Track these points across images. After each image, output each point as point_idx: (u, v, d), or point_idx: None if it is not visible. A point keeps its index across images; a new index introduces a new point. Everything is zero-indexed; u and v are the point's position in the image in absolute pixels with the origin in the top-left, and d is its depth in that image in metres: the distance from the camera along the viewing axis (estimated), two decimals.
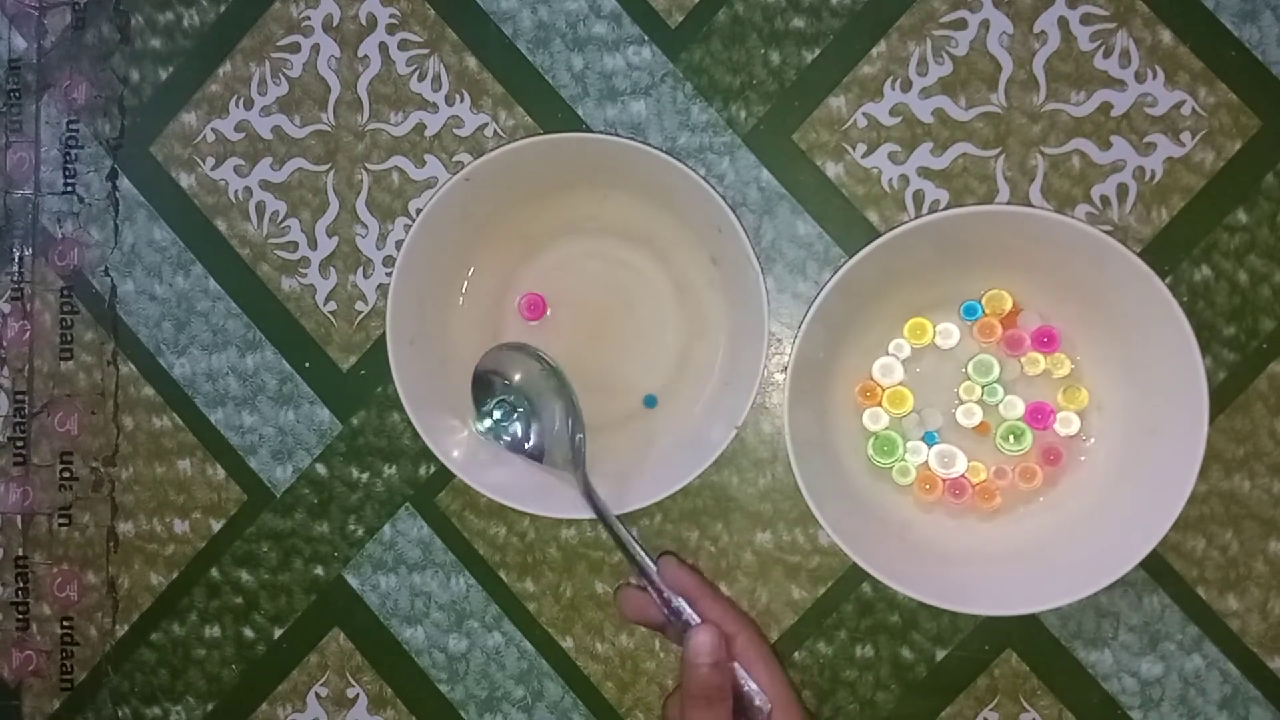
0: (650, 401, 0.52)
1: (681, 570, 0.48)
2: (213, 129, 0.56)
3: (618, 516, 0.47)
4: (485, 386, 0.50)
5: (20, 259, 0.57)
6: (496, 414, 0.49)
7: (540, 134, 0.53)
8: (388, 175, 0.54)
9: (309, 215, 0.55)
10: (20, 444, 0.57)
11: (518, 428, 0.49)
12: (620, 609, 0.49)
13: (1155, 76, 0.50)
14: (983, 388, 0.50)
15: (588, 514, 0.51)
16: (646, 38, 0.53)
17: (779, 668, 0.46)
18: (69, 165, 0.56)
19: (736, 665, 0.45)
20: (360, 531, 0.55)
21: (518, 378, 0.50)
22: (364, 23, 0.55)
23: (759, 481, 0.52)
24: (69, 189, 0.56)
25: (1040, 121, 0.51)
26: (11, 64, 0.57)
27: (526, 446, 0.49)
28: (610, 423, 0.53)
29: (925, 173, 0.52)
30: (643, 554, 0.47)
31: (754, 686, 0.45)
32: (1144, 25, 0.50)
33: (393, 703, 0.54)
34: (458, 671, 0.54)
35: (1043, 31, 0.51)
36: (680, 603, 0.46)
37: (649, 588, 0.47)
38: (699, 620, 0.46)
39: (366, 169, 0.55)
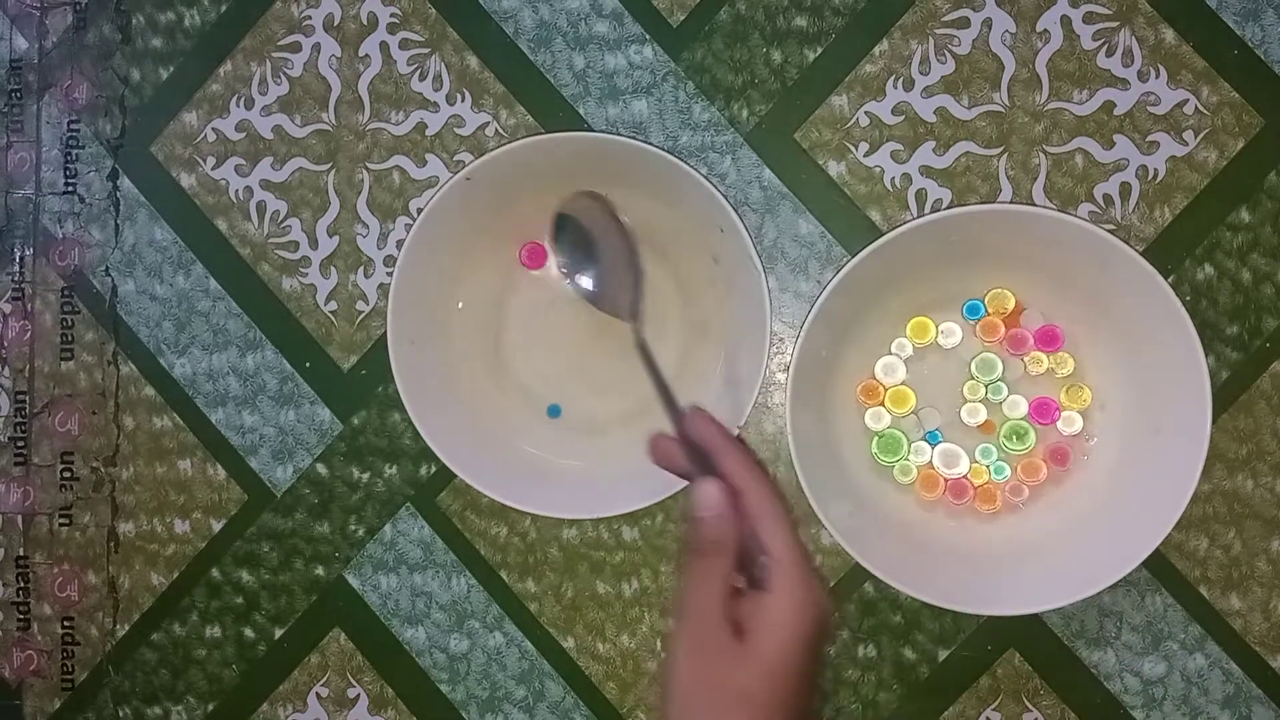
0: (554, 411, 0.53)
1: (706, 422, 0.47)
2: (213, 129, 0.56)
3: (617, 516, 0.47)
4: (561, 227, 0.51)
5: (21, 259, 0.57)
6: (566, 254, 0.51)
7: (541, 133, 0.53)
8: (389, 174, 0.54)
9: (310, 215, 0.55)
10: (21, 444, 0.56)
11: (585, 271, 0.51)
12: (650, 452, 0.48)
13: (1158, 75, 0.50)
14: (986, 386, 0.50)
15: (589, 514, 0.51)
16: (648, 36, 0.53)
17: (788, 527, 0.43)
18: (70, 165, 0.56)
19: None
20: (361, 531, 0.54)
21: (591, 224, 0.51)
22: (365, 22, 0.54)
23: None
24: (70, 189, 0.56)
25: (1043, 120, 0.51)
26: (13, 64, 0.57)
27: (588, 288, 0.50)
28: (612, 422, 0.52)
29: (928, 171, 0.51)
30: (676, 401, 0.46)
31: (761, 543, 0.43)
32: (1146, 24, 0.50)
33: (394, 703, 0.54)
34: (459, 672, 0.54)
35: (1045, 30, 0.51)
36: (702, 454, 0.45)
37: (678, 436, 0.46)
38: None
39: (367, 168, 0.55)
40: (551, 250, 0.52)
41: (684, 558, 0.44)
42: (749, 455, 0.46)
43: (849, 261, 0.46)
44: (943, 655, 0.51)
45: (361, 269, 0.55)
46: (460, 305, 0.53)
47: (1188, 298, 0.50)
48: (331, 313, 0.55)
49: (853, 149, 0.52)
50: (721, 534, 0.42)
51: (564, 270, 0.51)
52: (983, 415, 0.50)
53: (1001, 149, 0.51)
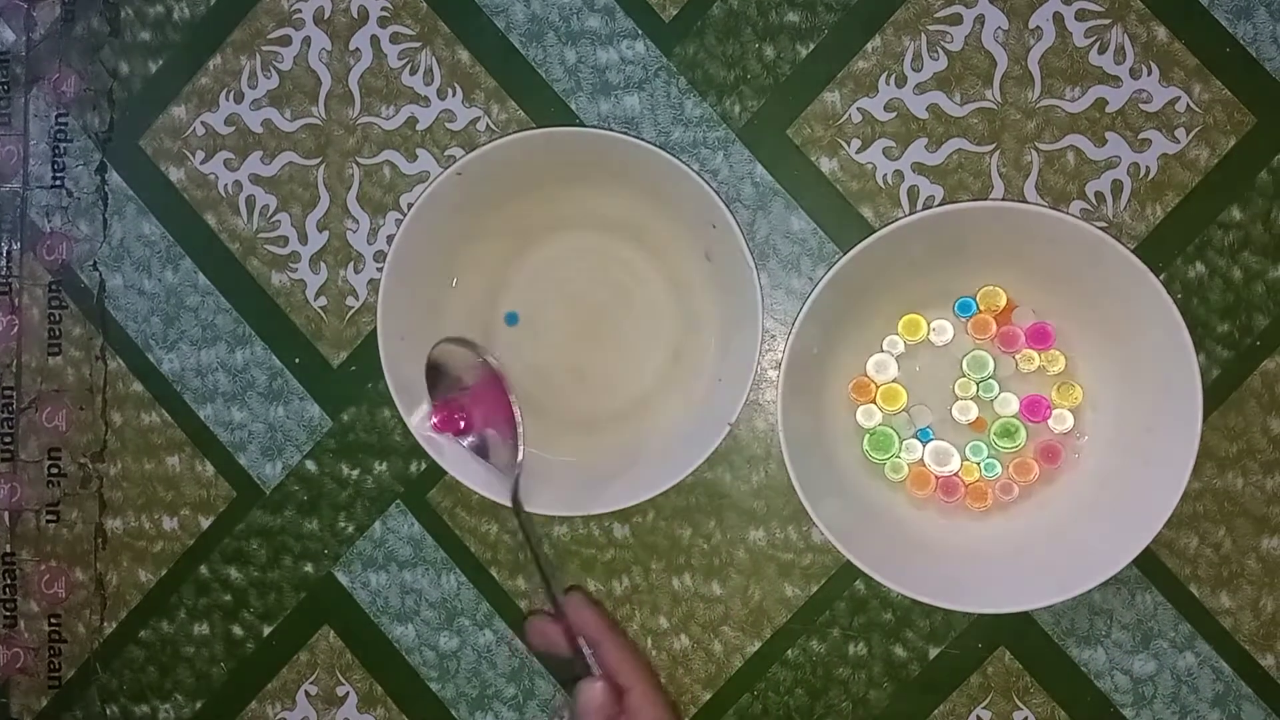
0: (511, 319, 0.52)
1: (587, 609, 0.48)
2: (202, 122, 0.55)
3: (608, 513, 0.47)
4: (436, 376, 0.50)
5: (8, 253, 0.56)
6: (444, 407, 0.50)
7: (533, 128, 0.53)
8: (379, 169, 0.54)
9: (299, 209, 0.55)
10: (8, 440, 0.56)
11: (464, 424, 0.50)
12: (527, 636, 0.49)
13: (1150, 73, 0.50)
14: (978, 384, 0.50)
15: (580, 511, 0.51)
16: (640, 31, 0.53)
17: None
18: (58, 159, 0.56)
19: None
20: (350, 528, 0.54)
21: (465, 374, 0.50)
22: (355, 15, 0.54)
23: (752, 478, 0.52)
24: (58, 183, 0.56)
25: (1035, 117, 0.51)
26: (0, 57, 0.56)
27: (466, 443, 0.50)
28: (603, 419, 0.52)
29: (920, 168, 0.51)
30: (554, 584, 0.47)
31: None
32: (1139, 21, 0.50)
33: (383, 701, 0.54)
34: (448, 669, 0.54)
35: (1038, 27, 0.51)
36: (583, 644, 0.46)
37: (560, 624, 0.46)
38: (597, 668, 0.45)
39: (357, 163, 0.54)
40: (426, 402, 0.50)
41: None
42: (629, 645, 0.47)
43: (841, 258, 0.46)
44: (933, 653, 0.51)
45: (351, 264, 0.54)
46: (451, 300, 0.53)
47: (1179, 295, 0.50)
48: (321, 308, 0.55)
49: (845, 145, 0.52)
50: None
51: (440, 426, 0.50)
52: (974, 413, 0.50)
53: (993, 146, 0.51)
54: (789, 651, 0.52)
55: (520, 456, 0.48)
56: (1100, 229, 0.45)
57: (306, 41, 0.54)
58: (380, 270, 0.50)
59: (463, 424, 0.50)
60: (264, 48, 0.55)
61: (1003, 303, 0.49)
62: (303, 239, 0.55)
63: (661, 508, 0.52)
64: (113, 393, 0.56)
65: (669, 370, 0.52)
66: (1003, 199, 0.51)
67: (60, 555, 0.56)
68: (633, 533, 0.52)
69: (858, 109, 0.52)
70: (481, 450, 0.50)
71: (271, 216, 0.55)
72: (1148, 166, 0.50)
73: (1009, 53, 0.51)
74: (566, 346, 0.53)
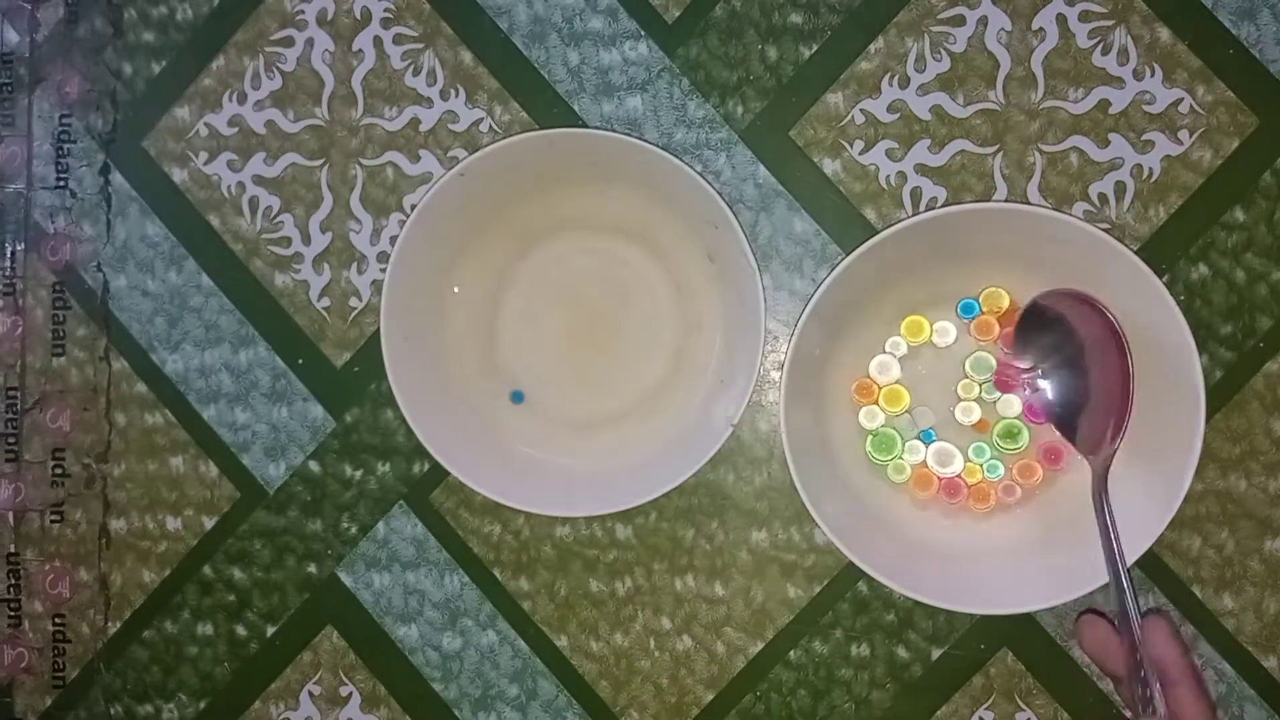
0: (517, 397, 0.53)
1: (1172, 642, 0.41)
2: (206, 123, 0.55)
3: (611, 514, 0.47)
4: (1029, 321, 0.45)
5: (12, 254, 0.56)
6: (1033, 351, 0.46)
7: (536, 129, 0.53)
8: (382, 170, 0.54)
9: (302, 210, 0.55)
10: (12, 440, 0.56)
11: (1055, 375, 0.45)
12: (1080, 634, 0.43)
13: (1153, 74, 0.50)
14: (980, 385, 0.50)
15: (582, 512, 0.51)
16: (643, 33, 0.53)
17: None
18: (61, 160, 0.56)
19: None
20: (354, 529, 0.54)
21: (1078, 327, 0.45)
22: (358, 17, 0.54)
23: (755, 479, 0.52)
24: (61, 184, 0.56)
25: (1038, 119, 0.51)
26: (3, 58, 0.56)
27: (1050, 399, 0.44)
28: (605, 420, 0.52)
29: (923, 170, 0.51)
30: (1134, 597, 0.40)
31: None
32: (1142, 23, 0.50)
33: (386, 701, 0.54)
34: (451, 670, 0.54)
35: (1041, 28, 0.51)
36: (1152, 677, 0.38)
37: (1125, 640, 0.39)
38: (1162, 708, 0.38)
39: (360, 164, 0.54)
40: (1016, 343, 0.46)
41: None
42: (1205, 692, 0.39)
43: (843, 259, 0.46)
44: (936, 654, 0.51)
45: (355, 265, 0.54)
46: (454, 301, 0.53)
47: (1182, 297, 0.50)
48: (324, 309, 0.55)
49: (848, 147, 0.52)
50: None
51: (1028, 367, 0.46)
52: (977, 414, 0.50)
53: (996, 147, 0.51)
54: (791, 652, 0.52)
55: (1118, 439, 0.41)
56: (1103, 230, 0.45)
57: (310, 43, 0.54)
58: (383, 271, 0.50)
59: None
60: (267, 49, 0.55)
61: (1005, 304, 0.49)
62: (306, 240, 0.55)
63: (664, 509, 0.52)
64: (116, 393, 0.56)
65: (671, 371, 0.52)
66: (1006, 200, 0.51)
67: (64, 555, 0.56)
68: (635, 534, 0.53)
69: (861, 110, 0.52)
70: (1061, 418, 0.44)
71: (275, 217, 0.55)
72: (1151, 168, 0.50)
73: (1012, 54, 0.51)
74: (569, 347, 0.53)
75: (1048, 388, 0.47)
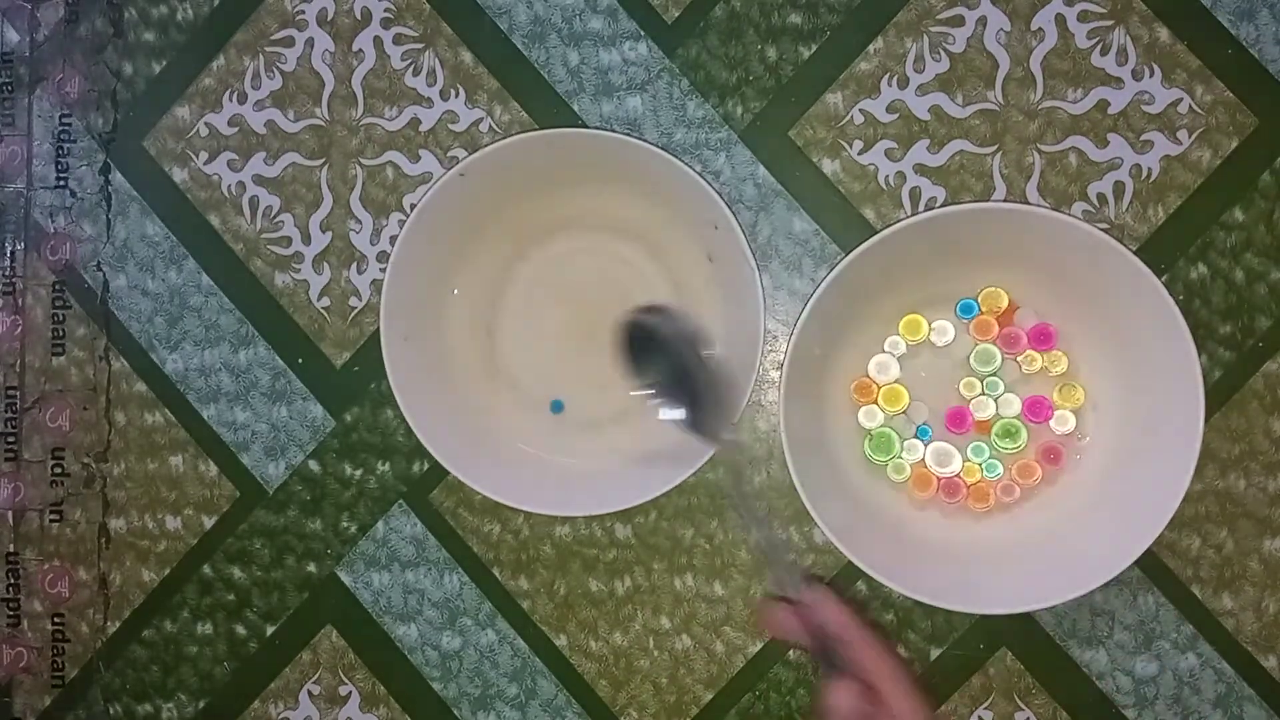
0: (557, 407, 0.53)
1: (833, 604, 0.43)
2: (206, 123, 0.55)
3: (610, 514, 0.47)
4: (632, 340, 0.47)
5: (12, 254, 0.56)
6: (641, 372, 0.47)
7: (536, 129, 0.53)
8: (382, 170, 0.54)
9: (302, 210, 0.55)
10: (11, 439, 0.56)
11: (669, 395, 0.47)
12: (762, 620, 0.45)
13: (1152, 74, 0.50)
14: (983, 380, 0.50)
15: (582, 511, 0.51)
16: (643, 33, 0.53)
17: None
18: (61, 159, 0.56)
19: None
20: (353, 528, 0.54)
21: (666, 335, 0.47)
22: (359, 17, 0.54)
23: (754, 479, 0.52)
24: (61, 183, 0.56)
25: (1037, 119, 0.51)
26: (4, 58, 0.56)
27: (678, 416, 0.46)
28: (605, 419, 0.52)
29: (922, 170, 0.51)
30: (790, 570, 0.43)
31: None
32: (1141, 23, 0.50)
33: (385, 700, 0.54)
34: (451, 669, 0.54)
35: (1040, 29, 0.51)
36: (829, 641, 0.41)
37: (797, 614, 0.43)
38: (843, 667, 0.41)
39: (360, 164, 0.54)
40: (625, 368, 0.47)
41: None
42: (883, 643, 0.42)
43: (843, 259, 0.46)
44: (935, 654, 0.51)
45: (354, 265, 0.54)
46: (454, 301, 0.53)
47: (1181, 297, 0.50)
48: (324, 309, 0.55)
49: (847, 147, 0.52)
50: None
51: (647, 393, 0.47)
52: (979, 413, 0.50)
53: (995, 147, 0.51)
54: (791, 652, 0.52)
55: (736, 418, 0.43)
56: (1102, 230, 0.45)
57: (310, 43, 0.55)
58: (383, 271, 0.50)
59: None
60: (267, 49, 0.55)
61: (1005, 304, 0.50)
62: (306, 239, 0.55)
63: (664, 508, 0.52)
64: (116, 393, 0.56)
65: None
66: (1005, 200, 0.51)
67: (64, 555, 0.56)
68: (635, 533, 0.53)
69: (860, 110, 0.52)
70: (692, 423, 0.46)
71: (275, 217, 0.55)
72: (1150, 168, 0.50)
73: (1011, 54, 0.51)
74: (569, 346, 0.53)
75: (665, 404, 0.47)
